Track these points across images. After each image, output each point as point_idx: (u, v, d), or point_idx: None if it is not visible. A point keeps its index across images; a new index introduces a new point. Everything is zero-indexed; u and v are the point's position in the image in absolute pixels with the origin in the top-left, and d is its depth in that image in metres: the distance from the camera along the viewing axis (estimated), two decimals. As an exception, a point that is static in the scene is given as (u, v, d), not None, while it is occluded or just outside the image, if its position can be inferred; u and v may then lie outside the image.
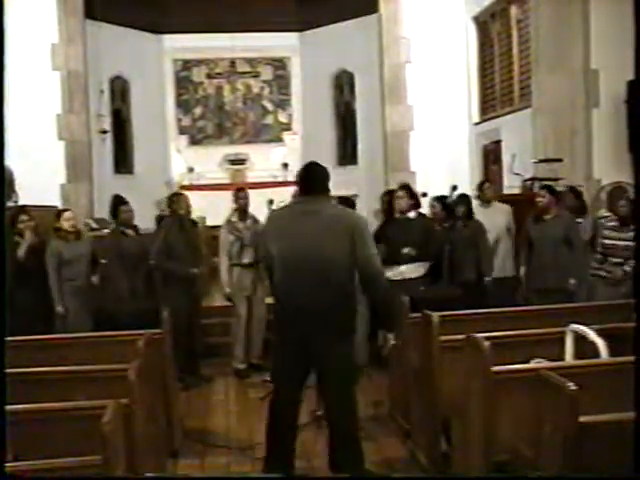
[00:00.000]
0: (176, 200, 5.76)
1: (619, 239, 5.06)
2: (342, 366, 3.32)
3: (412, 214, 5.70)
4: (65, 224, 5.33)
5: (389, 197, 6.35)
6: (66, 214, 5.45)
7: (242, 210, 5.89)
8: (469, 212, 5.75)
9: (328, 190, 3.42)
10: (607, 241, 5.14)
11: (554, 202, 5.38)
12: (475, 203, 6.06)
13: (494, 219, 5.91)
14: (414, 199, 5.81)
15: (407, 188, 5.84)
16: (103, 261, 5.62)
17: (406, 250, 5.46)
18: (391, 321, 3.59)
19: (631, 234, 4.96)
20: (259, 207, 6.92)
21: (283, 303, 3.37)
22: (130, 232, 5.57)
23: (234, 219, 5.88)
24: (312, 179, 3.40)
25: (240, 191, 6.03)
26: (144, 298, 5.41)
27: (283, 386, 3.42)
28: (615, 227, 5.13)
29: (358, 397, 5.00)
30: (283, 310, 3.37)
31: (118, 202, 5.65)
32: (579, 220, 5.62)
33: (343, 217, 3.36)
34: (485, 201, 6.13)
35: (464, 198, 5.92)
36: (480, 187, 6.34)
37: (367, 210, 6.94)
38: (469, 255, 5.62)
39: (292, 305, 3.29)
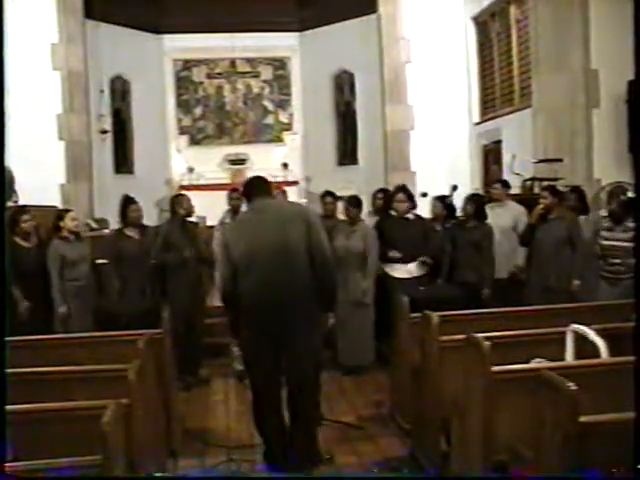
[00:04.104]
0: (177, 201, 5.77)
1: (615, 239, 5.06)
2: (311, 353, 3.48)
3: (410, 215, 5.80)
4: (70, 224, 5.34)
5: (384, 195, 6.41)
6: (71, 214, 5.47)
7: (234, 210, 5.92)
8: (481, 213, 5.59)
9: (271, 193, 3.73)
10: (604, 242, 5.13)
11: (557, 203, 5.37)
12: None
13: (502, 218, 5.85)
14: (411, 200, 5.87)
15: (405, 190, 5.89)
16: (100, 261, 5.63)
17: (391, 254, 5.61)
18: (333, 303, 3.70)
19: (626, 235, 4.96)
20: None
21: (253, 300, 3.43)
22: (132, 233, 5.57)
23: (227, 220, 5.91)
24: (255, 185, 3.69)
25: (233, 192, 6.05)
26: (144, 298, 5.41)
27: (260, 382, 3.53)
28: (610, 227, 5.12)
29: (359, 398, 5.08)
30: (253, 307, 3.44)
31: (127, 202, 5.66)
32: (580, 218, 5.57)
33: (296, 209, 3.71)
34: (494, 200, 6.07)
35: (474, 198, 5.76)
36: (490, 186, 6.31)
37: (367, 210, 6.94)
38: (474, 258, 5.50)
39: (263, 301, 3.40)
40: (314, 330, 3.50)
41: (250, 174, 11.13)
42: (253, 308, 3.44)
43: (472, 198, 5.73)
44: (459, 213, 6.05)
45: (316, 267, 3.44)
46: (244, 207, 5.83)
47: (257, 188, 3.65)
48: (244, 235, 3.51)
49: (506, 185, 6.34)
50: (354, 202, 5.85)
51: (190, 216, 5.83)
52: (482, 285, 5.43)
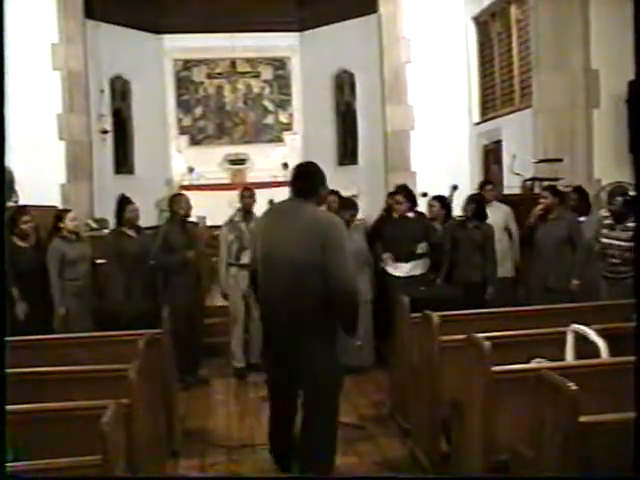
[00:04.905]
0: (177, 201, 5.76)
1: (614, 238, 5.06)
2: (320, 368, 3.27)
3: (410, 214, 5.79)
4: (70, 224, 5.35)
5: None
6: (71, 214, 5.48)
7: (245, 210, 5.86)
8: (482, 213, 5.60)
9: (318, 192, 3.39)
10: (604, 240, 5.13)
11: (557, 203, 5.37)
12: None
13: (496, 217, 5.88)
14: (411, 200, 5.88)
15: (405, 190, 5.89)
16: (99, 261, 5.63)
17: (385, 256, 5.69)
18: (354, 327, 3.41)
19: (626, 234, 4.96)
20: (259, 207, 6.91)
21: (263, 303, 3.47)
22: (131, 232, 5.57)
23: (237, 218, 5.86)
24: (302, 180, 3.40)
25: (245, 190, 5.99)
26: (144, 298, 5.41)
27: (274, 385, 3.54)
28: (611, 225, 5.12)
29: (359, 398, 5.08)
30: (263, 309, 3.48)
31: (124, 202, 5.66)
32: (582, 219, 5.57)
33: (319, 222, 3.28)
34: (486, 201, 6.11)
35: (476, 197, 5.78)
36: (481, 188, 6.35)
37: (367, 210, 6.95)
38: (475, 257, 5.50)
39: (268, 305, 3.39)
40: (322, 344, 3.28)
41: (250, 174, 11.34)
42: (264, 312, 3.48)
43: (473, 198, 5.75)
44: (460, 213, 6.06)
45: (330, 290, 3.17)
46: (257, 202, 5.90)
47: (299, 185, 3.38)
48: (266, 236, 3.40)
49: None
50: (349, 204, 5.84)
51: (189, 216, 5.83)
52: (486, 284, 5.44)
